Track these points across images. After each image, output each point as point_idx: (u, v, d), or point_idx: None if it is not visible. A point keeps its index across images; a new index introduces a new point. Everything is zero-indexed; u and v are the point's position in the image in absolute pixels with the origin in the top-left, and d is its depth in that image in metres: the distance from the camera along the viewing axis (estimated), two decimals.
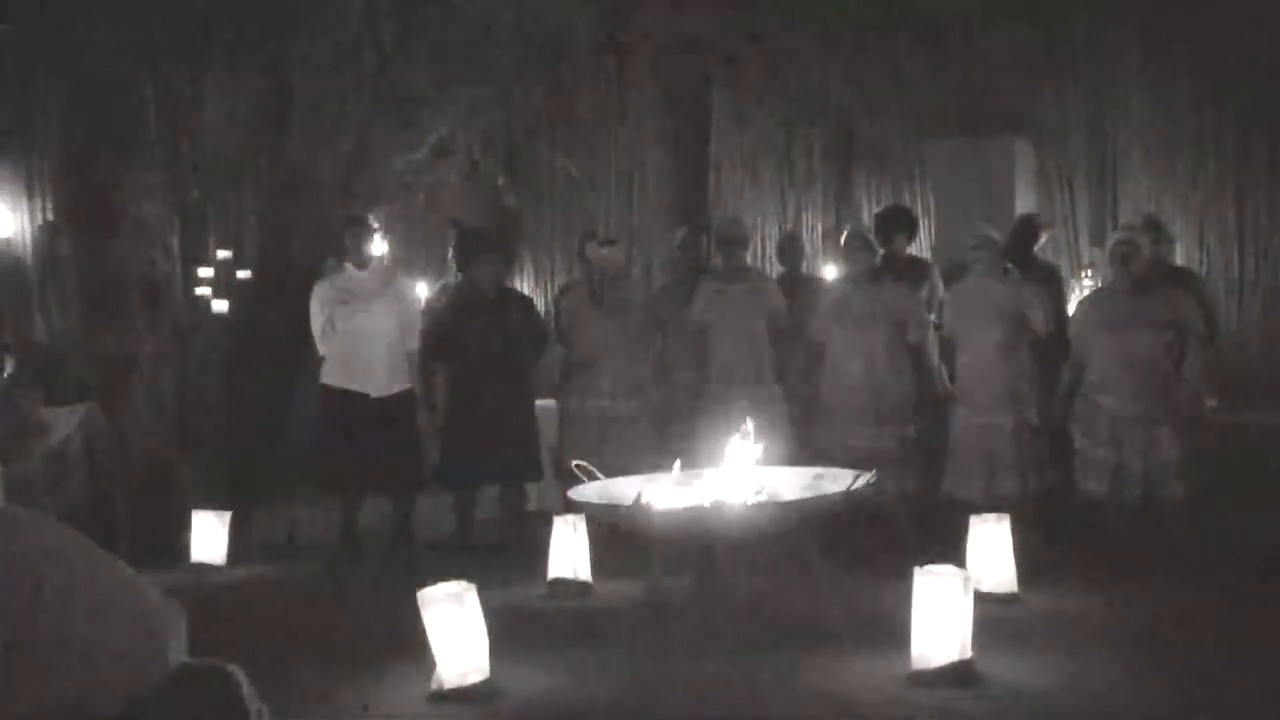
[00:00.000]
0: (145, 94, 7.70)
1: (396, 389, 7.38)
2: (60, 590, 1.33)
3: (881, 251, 7.39)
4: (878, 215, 8.79)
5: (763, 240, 12.32)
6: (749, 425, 5.63)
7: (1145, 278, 6.73)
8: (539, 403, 7.71)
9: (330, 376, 7.40)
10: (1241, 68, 11.19)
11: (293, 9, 8.13)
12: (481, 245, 7.89)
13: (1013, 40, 11.43)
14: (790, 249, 8.54)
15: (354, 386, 7.31)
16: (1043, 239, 8.32)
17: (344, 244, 7.53)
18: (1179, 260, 9.71)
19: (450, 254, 8.25)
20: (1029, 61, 11.71)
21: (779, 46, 11.62)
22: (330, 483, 7.43)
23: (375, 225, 7.89)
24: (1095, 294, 7.40)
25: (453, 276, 8.75)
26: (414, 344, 7.44)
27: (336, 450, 7.28)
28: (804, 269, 8.77)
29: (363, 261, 7.48)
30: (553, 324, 8.17)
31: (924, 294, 7.61)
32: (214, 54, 8.20)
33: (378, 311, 7.38)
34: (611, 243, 8.03)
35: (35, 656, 1.30)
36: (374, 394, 7.31)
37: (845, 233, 7.89)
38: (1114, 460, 6.57)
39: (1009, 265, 7.21)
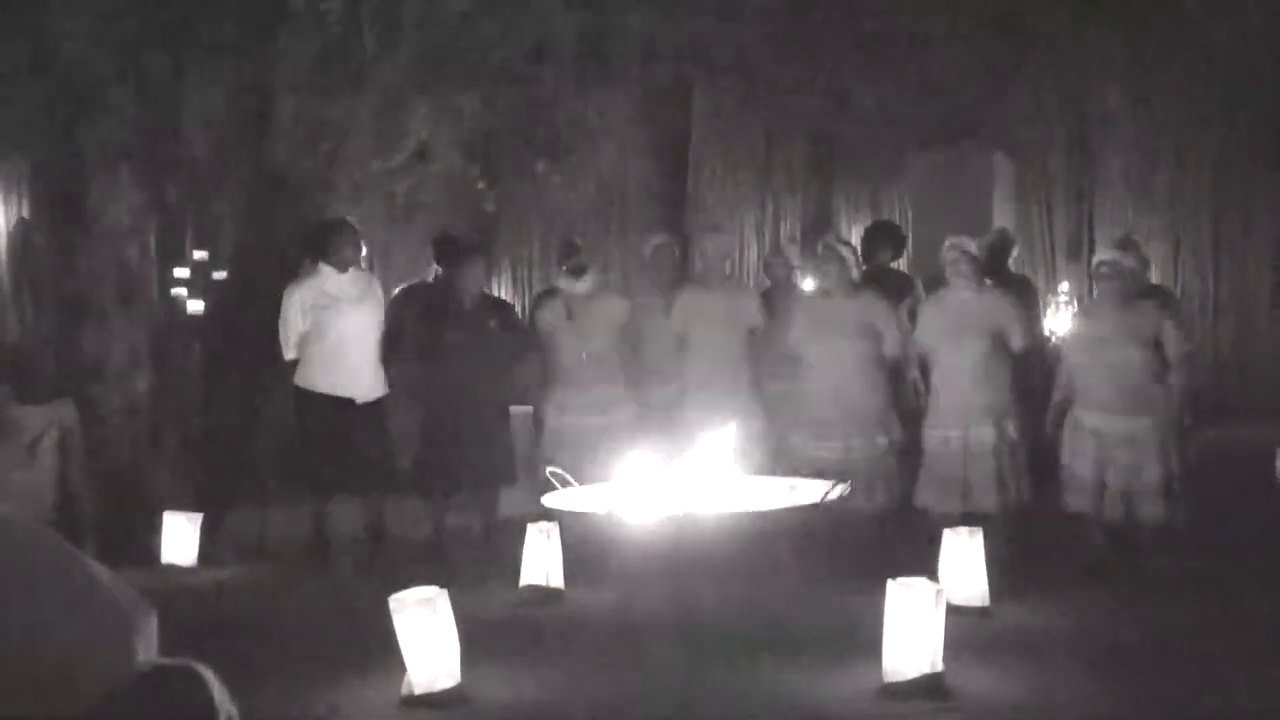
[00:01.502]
0: (122, 91, 7.67)
1: (378, 394, 7.35)
2: (27, 589, 1.33)
3: (864, 266, 7.41)
4: (866, 230, 8.82)
5: (742, 250, 12.35)
6: (725, 436, 5.64)
7: (1129, 293, 6.78)
8: (514, 409, 7.70)
9: (309, 380, 7.32)
10: (1221, 86, 11.28)
11: (273, 7, 8.11)
12: (464, 250, 7.84)
13: (993, 54, 11.49)
14: (775, 263, 8.50)
15: (338, 391, 7.24)
16: (1014, 253, 8.37)
17: (325, 247, 7.42)
18: (1154, 279, 9.78)
19: (432, 258, 8.16)
20: (1009, 75, 11.78)
21: (760, 57, 11.66)
22: (305, 487, 7.39)
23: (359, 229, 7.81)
24: (1082, 310, 7.44)
25: (420, 280, 8.67)
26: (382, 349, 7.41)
27: (315, 455, 7.24)
28: (792, 279, 8.71)
29: (345, 265, 7.43)
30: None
31: (907, 307, 7.62)
32: (192, 52, 8.17)
33: (363, 314, 7.35)
34: (582, 269, 7.78)
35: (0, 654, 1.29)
36: (359, 399, 7.28)
37: (820, 245, 7.87)
38: (1098, 477, 6.60)
39: (985, 278, 7.24)
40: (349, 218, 7.92)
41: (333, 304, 7.29)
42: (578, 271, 7.60)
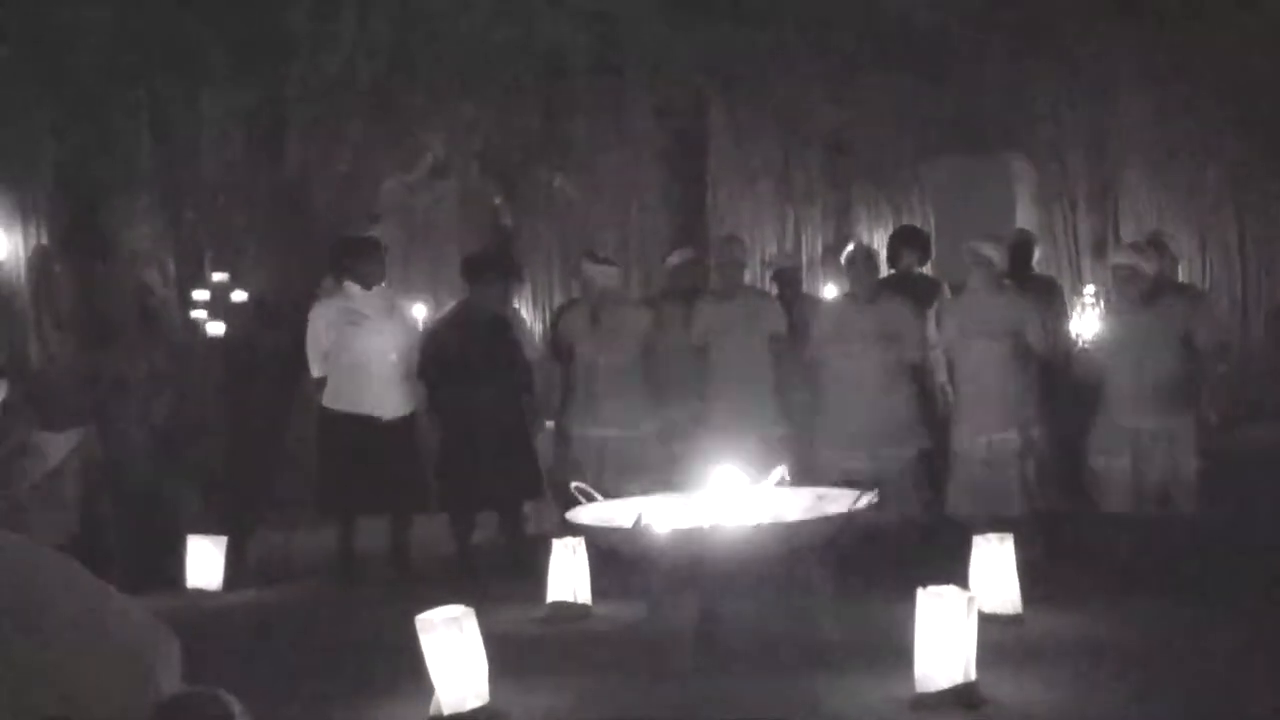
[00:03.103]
0: (140, 115, 7.71)
1: (404, 412, 7.34)
2: (40, 619, 1.31)
3: (891, 270, 7.38)
4: (892, 235, 8.80)
5: (761, 261, 12.32)
6: (750, 447, 5.62)
7: (1153, 293, 6.73)
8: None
9: (336, 400, 7.31)
10: (1242, 80, 11.21)
11: (288, 28, 8.15)
12: (480, 268, 7.83)
13: (1010, 56, 11.45)
14: (784, 279, 8.49)
15: (364, 410, 7.22)
16: (1037, 254, 8.32)
17: (349, 264, 7.39)
18: (1182, 277, 9.70)
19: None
20: (1027, 78, 11.73)
21: (776, 66, 11.65)
22: (331, 508, 7.39)
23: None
24: (1109, 310, 7.39)
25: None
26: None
27: (341, 475, 7.22)
28: (801, 289, 8.70)
29: (370, 282, 7.40)
30: (550, 345, 8.15)
31: (932, 312, 7.58)
32: (209, 74, 8.21)
33: (388, 333, 7.35)
34: (608, 261, 7.93)
35: (12, 686, 1.28)
36: (385, 417, 7.26)
37: (846, 250, 7.85)
38: (1131, 477, 6.55)
39: (1007, 280, 7.19)
40: (375, 237, 7.93)
41: (358, 321, 7.28)
42: (604, 261, 7.65)
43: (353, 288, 7.37)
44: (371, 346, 7.27)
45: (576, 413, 7.47)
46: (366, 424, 7.22)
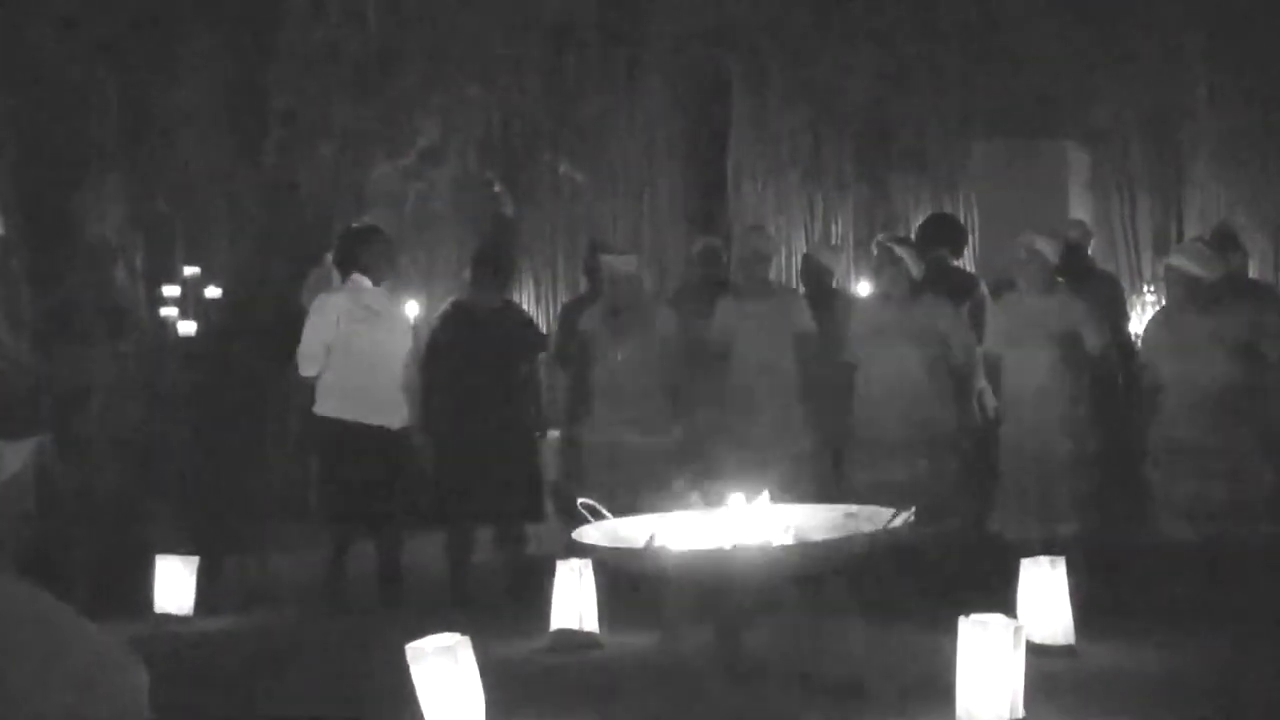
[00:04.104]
0: (107, 96, 7.74)
1: (408, 422, 7.31)
2: (1, 644, 1.32)
3: (922, 265, 7.36)
4: (921, 225, 8.77)
5: (788, 255, 12.32)
6: (774, 459, 5.62)
7: (1215, 295, 6.71)
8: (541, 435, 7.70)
9: (337, 408, 7.20)
10: None
11: (270, 1, 8.19)
12: (482, 261, 7.83)
13: (1064, 32, 11.43)
14: (810, 269, 8.49)
15: (373, 420, 7.13)
16: (1092, 249, 8.31)
17: (359, 256, 7.30)
18: (1253, 273, 9.69)
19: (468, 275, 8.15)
20: (1082, 55, 11.71)
21: (805, 39, 11.65)
22: (338, 528, 7.32)
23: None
24: (1162, 314, 7.36)
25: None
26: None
27: (351, 493, 7.15)
28: (832, 285, 8.67)
29: (380, 278, 7.34)
30: (558, 346, 8.16)
31: (966, 311, 7.57)
32: (183, 51, 8.25)
33: (396, 332, 7.35)
34: (626, 250, 7.92)
35: None
36: (393, 427, 7.20)
37: (875, 244, 7.84)
38: (1195, 496, 6.54)
39: (1060, 279, 7.18)
40: (379, 226, 7.91)
41: (368, 318, 7.21)
42: (624, 253, 7.70)
43: (363, 281, 7.31)
44: (381, 346, 7.22)
45: (587, 420, 7.47)
46: (377, 436, 7.14)
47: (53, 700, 1.34)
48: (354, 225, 8.02)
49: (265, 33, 8.29)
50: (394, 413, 7.22)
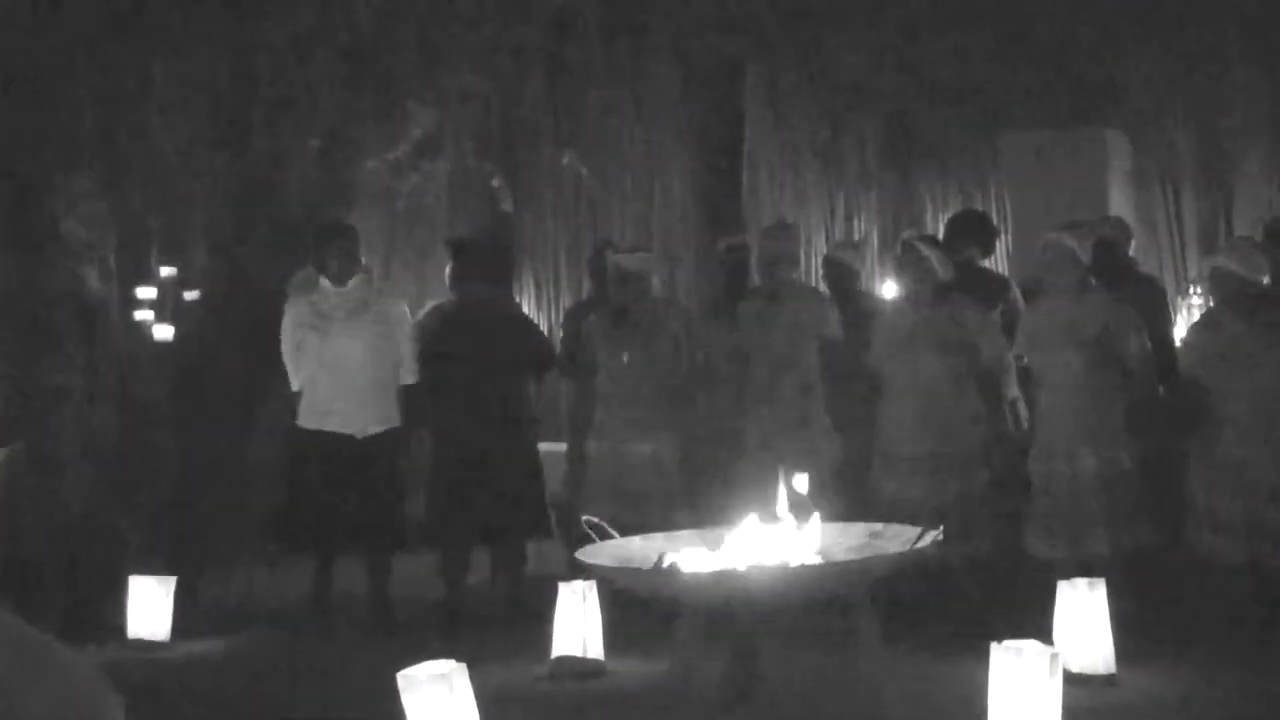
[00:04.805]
0: (78, 84, 7.77)
1: (380, 428, 7.37)
2: None
3: (950, 265, 7.35)
4: (947, 222, 8.77)
5: (808, 254, 12.33)
6: (795, 473, 5.61)
7: (1265, 299, 6.70)
8: (543, 446, 7.70)
9: (305, 417, 7.38)
10: None
11: None
12: (477, 260, 7.85)
13: (1103, 11, 11.42)
14: (831, 271, 8.48)
15: (332, 427, 7.29)
16: (1133, 247, 8.30)
17: (322, 258, 7.46)
18: None
19: (447, 271, 8.18)
20: (1122, 37, 11.70)
21: (824, 24, 11.66)
22: (301, 543, 7.42)
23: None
24: (1206, 318, 7.35)
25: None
26: (404, 376, 7.43)
27: (310, 504, 7.26)
28: (858, 287, 8.66)
29: (340, 278, 7.46)
30: (563, 352, 8.16)
31: (997, 315, 7.57)
32: (161, 36, 8.27)
33: (359, 336, 7.39)
34: (638, 247, 7.91)
35: None
36: (358, 434, 7.30)
37: (900, 243, 7.83)
38: (1244, 515, 6.53)
39: (1095, 279, 7.16)
40: (350, 225, 7.96)
41: (321, 325, 7.33)
42: (634, 250, 7.69)
43: (325, 283, 7.44)
44: (340, 352, 7.32)
45: (594, 429, 7.47)
46: (340, 444, 7.25)
47: None
48: (320, 222, 8.07)
49: (249, 19, 8.31)
50: (357, 420, 7.27)
